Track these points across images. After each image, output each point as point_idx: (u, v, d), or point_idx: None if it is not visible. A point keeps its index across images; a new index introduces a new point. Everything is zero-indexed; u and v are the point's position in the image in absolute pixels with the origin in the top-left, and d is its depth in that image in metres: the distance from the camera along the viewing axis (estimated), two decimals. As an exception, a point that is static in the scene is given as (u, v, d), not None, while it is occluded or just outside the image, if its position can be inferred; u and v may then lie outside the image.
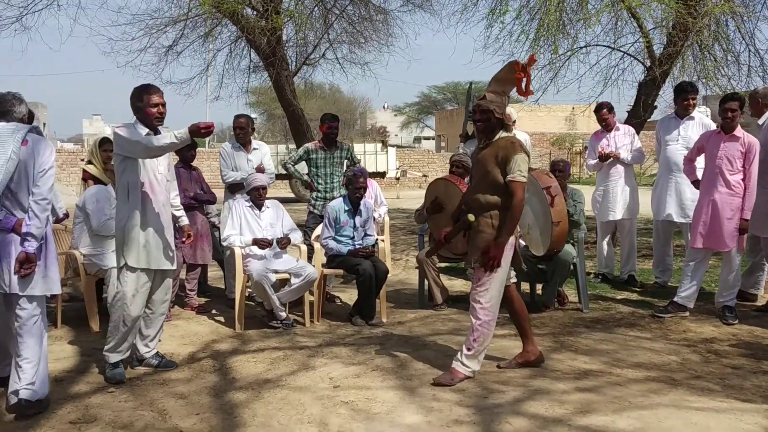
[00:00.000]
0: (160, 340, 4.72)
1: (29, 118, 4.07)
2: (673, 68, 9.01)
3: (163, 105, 4.29)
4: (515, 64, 4.25)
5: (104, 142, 6.03)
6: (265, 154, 6.78)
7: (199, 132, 4.05)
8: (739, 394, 4.05)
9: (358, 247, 5.99)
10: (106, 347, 4.36)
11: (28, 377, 3.69)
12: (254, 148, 6.69)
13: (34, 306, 3.75)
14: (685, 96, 6.67)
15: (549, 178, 5.80)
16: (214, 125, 4.16)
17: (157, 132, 4.30)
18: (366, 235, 6.13)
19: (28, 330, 3.73)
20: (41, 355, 3.77)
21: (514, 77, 4.23)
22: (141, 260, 4.30)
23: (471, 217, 4.31)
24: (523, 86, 4.26)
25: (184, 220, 5.04)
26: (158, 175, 4.39)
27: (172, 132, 4.16)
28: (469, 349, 4.28)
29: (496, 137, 4.27)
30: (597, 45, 9.81)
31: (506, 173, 4.13)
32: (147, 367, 4.55)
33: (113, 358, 4.35)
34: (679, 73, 9.05)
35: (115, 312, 4.35)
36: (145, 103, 4.26)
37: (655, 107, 9.76)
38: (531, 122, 34.60)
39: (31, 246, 3.61)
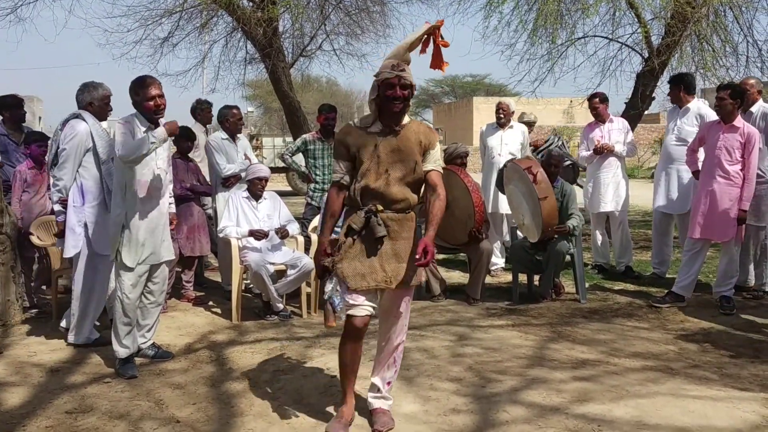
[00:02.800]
0: (156, 332, 4.70)
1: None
2: (671, 59, 8.98)
3: (161, 96, 4.22)
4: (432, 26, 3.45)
5: None
6: (247, 147, 6.83)
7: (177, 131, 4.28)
8: (737, 383, 4.05)
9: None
10: (113, 344, 4.34)
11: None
12: (237, 139, 6.71)
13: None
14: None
15: (527, 161, 5.87)
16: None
17: (157, 125, 4.28)
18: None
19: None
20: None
21: (421, 38, 3.42)
22: (140, 258, 4.29)
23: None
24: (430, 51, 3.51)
25: (171, 208, 4.86)
26: (157, 169, 4.35)
27: (147, 135, 4.12)
28: (389, 384, 3.64)
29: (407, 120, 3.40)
30: (595, 36, 9.79)
31: (428, 162, 3.37)
32: (143, 358, 4.53)
33: (122, 353, 4.32)
34: (677, 64, 9.02)
35: (115, 307, 4.36)
36: (142, 97, 4.21)
37: (653, 98, 9.74)
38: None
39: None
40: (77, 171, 4.81)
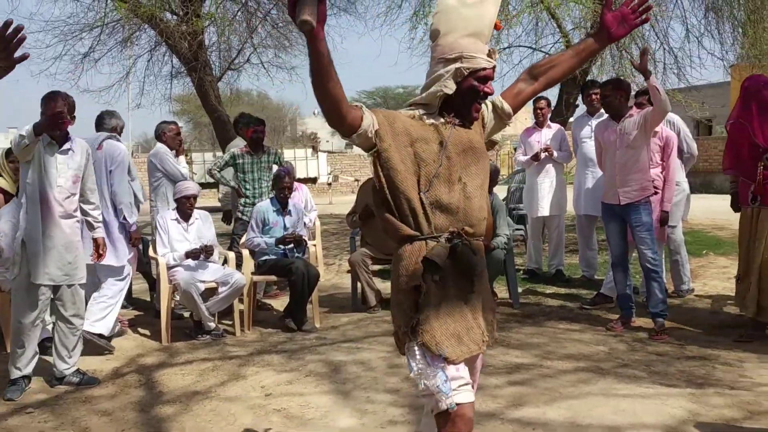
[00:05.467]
0: (80, 357, 4.51)
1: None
2: (591, 67, 9.26)
3: (63, 112, 4.01)
4: None
5: (10, 154, 5.71)
6: (184, 165, 6.64)
7: (51, 123, 3.94)
8: (664, 380, 4.17)
9: (286, 234, 5.87)
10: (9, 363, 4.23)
11: None
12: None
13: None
14: (587, 92, 6.87)
15: None
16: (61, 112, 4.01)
17: (63, 141, 4.24)
18: (296, 235, 6.02)
19: None
20: None
21: None
22: (33, 275, 4.14)
23: None
24: None
25: (98, 233, 4.67)
26: (56, 188, 4.21)
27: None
28: None
29: None
30: (519, 46, 10.02)
31: None
32: (68, 386, 4.34)
33: (13, 373, 4.20)
34: (598, 72, 9.31)
35: (11, 324, 4.27)
36: (45, 113, 4.09)
37: (577, 106, 10.02)
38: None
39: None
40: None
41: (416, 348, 2.19)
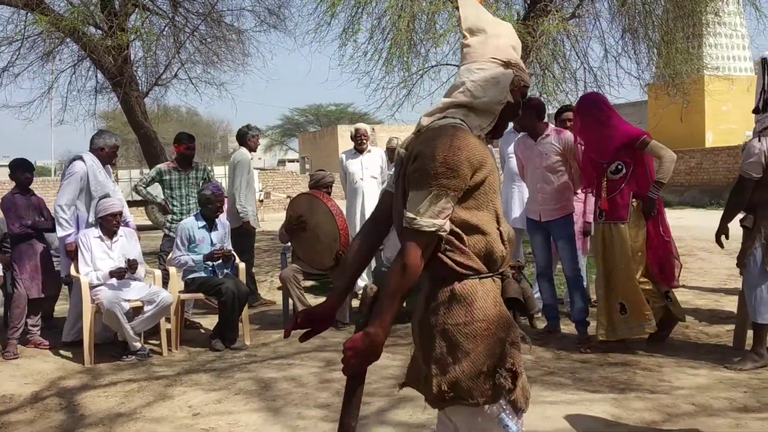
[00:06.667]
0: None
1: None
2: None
3: None
4: None
5: None
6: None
7: None
8: (588, 386, 4.29)
9: (213, 250, 5.77)
10: None
11: None
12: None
13: None
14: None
15: None
16: None
17: None
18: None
19: None
20: None
21: None
22: None
23: None
24: None
25: None
26: None
27: None
28: None
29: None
30: (447, 64, 10.21)
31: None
32: (-19, 413, 4.14)
33: None
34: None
35: None
36: None
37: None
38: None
39: None
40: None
41: (504, 406, 1.90)
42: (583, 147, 5.18)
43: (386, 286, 1.86)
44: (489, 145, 2.03)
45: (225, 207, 7.06)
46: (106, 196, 5.59)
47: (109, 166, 5.98)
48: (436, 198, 1.82)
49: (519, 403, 1.91)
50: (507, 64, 1.97)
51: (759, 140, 4.51)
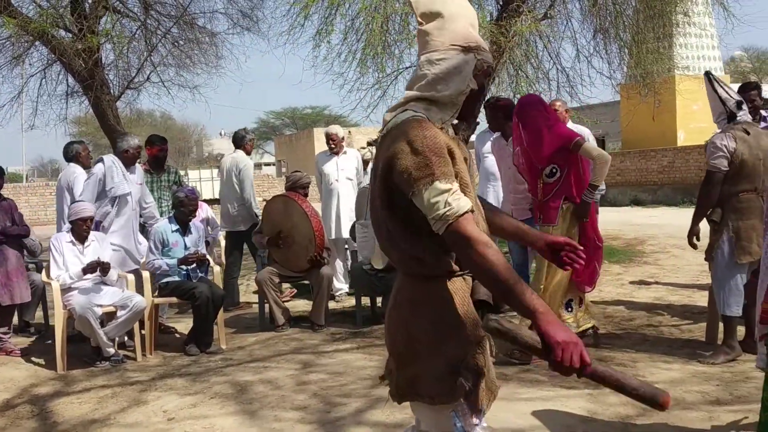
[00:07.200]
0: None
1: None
2: (490, 85, 9.56)
3: None
4: None
5: None
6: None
7: None
8: (564, 383, 4.31)
9: (188, 254, 5.70)
10: None
11: None
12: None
13: None
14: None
15: None
16: None
17: None
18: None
19: None
20: None
21: None
22: None
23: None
24: None
25: None
26: None
27: None
28: None
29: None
30: (421, 65, 10.20)
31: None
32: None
33: None
34: (496, 89, 9.62)
35: None
36: None
37: (478, 123, 10.30)
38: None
39: None
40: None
41: (465, 406, 1.87)
42: (518, 150, 5.01)
43: (493, 276, 1.69)
44: (462, 143, 2.00)
45: (221, 210, 7.31)
46: (125, 196, 5.75)
47: (138, 166, 6.15)
48: (444, 185, 1.74)
49: (480, 403, 1.88)
50: (468, 49, 1.90)
51: (719, 136, 4.63)
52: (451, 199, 1.73)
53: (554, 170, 4.77)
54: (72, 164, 6.35)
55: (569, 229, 4.78)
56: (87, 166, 6.37)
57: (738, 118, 4.68)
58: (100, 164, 5.82)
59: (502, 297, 1.76)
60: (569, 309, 4.86)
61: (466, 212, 1.74)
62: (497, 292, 1.76)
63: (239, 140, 7.41)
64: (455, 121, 1.95)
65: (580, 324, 4.91)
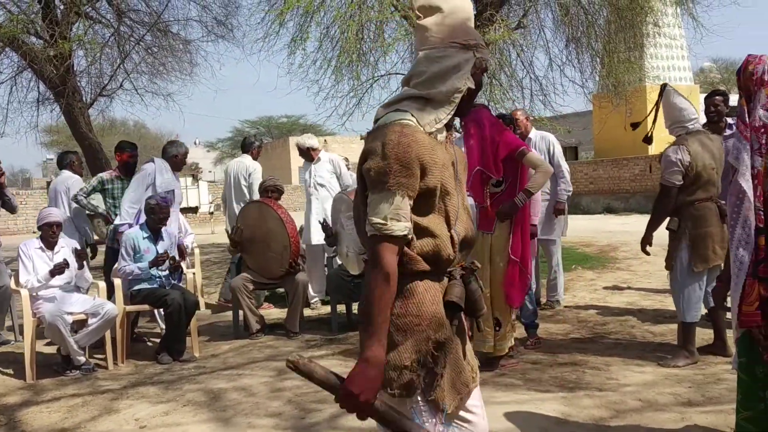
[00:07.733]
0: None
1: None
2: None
3: None
4: None
5: None
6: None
7: None
8: (539, 386, 4.34)
9: (159, 255, 5.59)
10: None
11: None
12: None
13: None
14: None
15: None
16: None
17: None
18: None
19: None
20: None
21: None
22: None
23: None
24: None
25: None
26: None
27: None
28: None
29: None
30: (396, 73, 10.26)
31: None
32: None
33: None
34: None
35: None
36: None
37: (457, 130, 10.36)
38: (345, 153, 35.28)
39: None
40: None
41: (421, 404, 1.90)
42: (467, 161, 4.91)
43: (369, 301, 1.78)
44: (451, 145, 1.99)
45: (228, 212, 7.65)
46: (168, 192, 6.09)
47: (177, 173, 6.61)
48: (395, 197, 1.78)
49: (441, 403, 1.89)
50: (467, 47, 1.90)
51: (673, 150, 4.70)
52: (391, 215, 1.78)
53: (500, 180, 4.70)
54: (65, 171, 6.92)
55: (508, 238, 4.71)
56: (79, 174, 6.94)
57: (691, 128, 4.78)
58: (150, 163, 6.32)
59: (361, 323, 1.84)
60: (497, 328, 4.72)
61: (395, 237, 1.78)
62: (361, 317, 1.83)
63: (248, 146, 7.78)
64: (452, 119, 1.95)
65: (497, 348, 4.73)
